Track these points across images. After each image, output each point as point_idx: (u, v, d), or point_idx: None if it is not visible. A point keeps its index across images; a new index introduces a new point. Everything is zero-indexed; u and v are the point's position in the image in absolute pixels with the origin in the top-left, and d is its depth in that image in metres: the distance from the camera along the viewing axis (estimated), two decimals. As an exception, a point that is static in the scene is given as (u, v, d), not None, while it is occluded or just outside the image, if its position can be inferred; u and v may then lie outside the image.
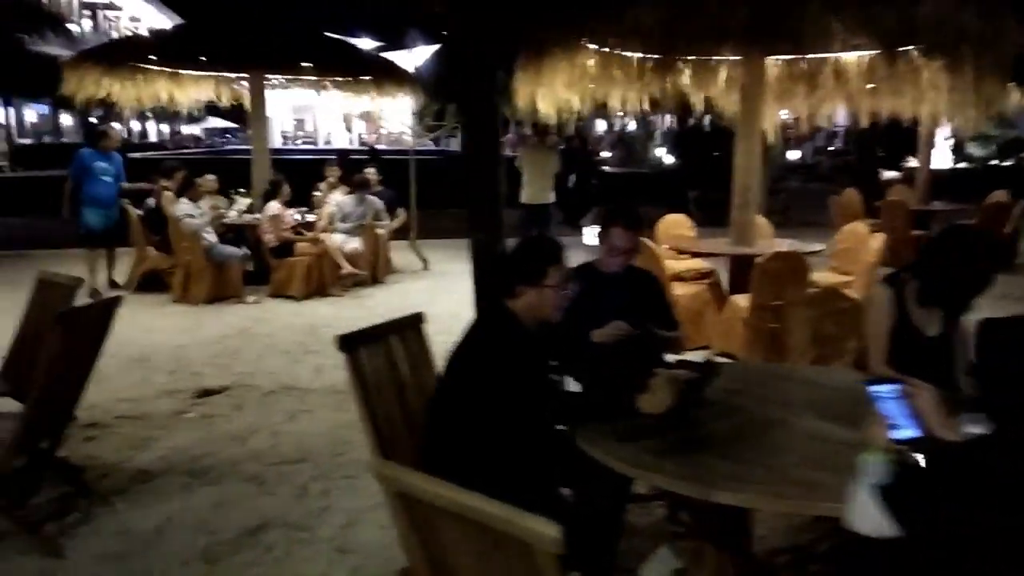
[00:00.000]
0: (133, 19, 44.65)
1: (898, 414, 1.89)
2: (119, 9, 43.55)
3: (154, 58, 8.91)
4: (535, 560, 1.46)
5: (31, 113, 33.54)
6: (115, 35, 38.88)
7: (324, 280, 8.43)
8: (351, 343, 2.78)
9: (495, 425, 2.48)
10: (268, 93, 9.61)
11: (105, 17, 43.29)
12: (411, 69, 11.94)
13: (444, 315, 7.79)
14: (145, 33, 25.51)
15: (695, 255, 6.96)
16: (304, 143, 36.60)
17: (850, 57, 5.86)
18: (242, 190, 9.32)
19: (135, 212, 8.55)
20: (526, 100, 6.72)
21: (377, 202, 9.30)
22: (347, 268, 8.58)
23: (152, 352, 6.29)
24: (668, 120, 28.37)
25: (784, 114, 8.81)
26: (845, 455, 2.12)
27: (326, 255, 8.47)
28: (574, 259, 2.88)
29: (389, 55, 14.12)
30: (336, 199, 9.39)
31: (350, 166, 10.61)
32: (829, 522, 2.05)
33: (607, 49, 5.83)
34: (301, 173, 9.68)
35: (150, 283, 8.41)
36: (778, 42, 5.09)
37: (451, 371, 2.63)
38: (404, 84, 10.00)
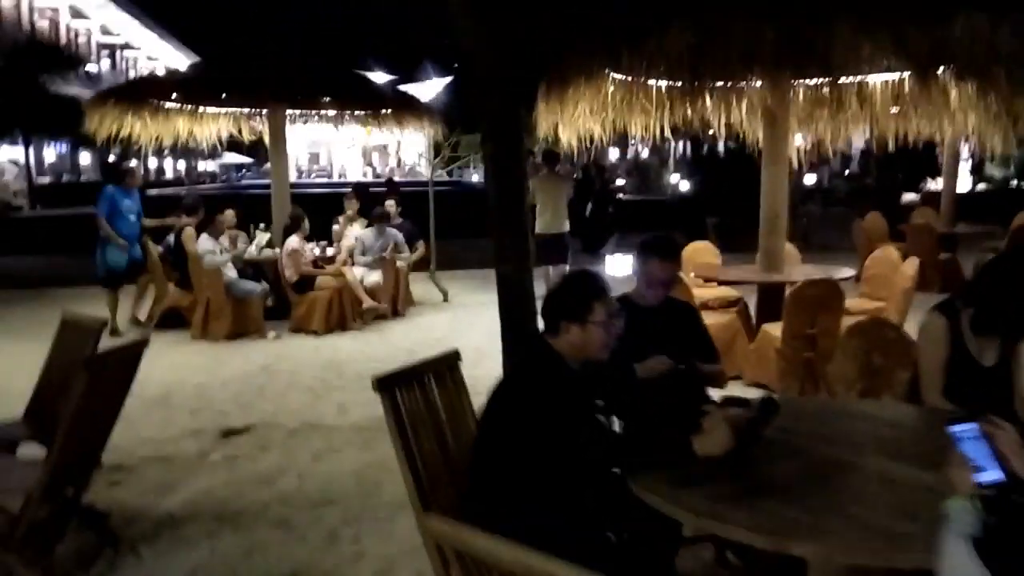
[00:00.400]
0: (151, 58, 45.38)
1: (980, 455, 1.77)
2: (137, 49, 44.27)
3: (176, 96, 8.95)
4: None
5: (50, 152, 33.98)
6: (133, 74, 39.56)
7: (345, 314, 8.35)
8: (387, 384, 2.67)
9: (541, 469, 2.36)
10: (286, 128, 9.63)
11: (123, 57, 44.02)
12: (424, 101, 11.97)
13: (468, 349, 7.62)
14: (162, 72, 25.88)
15: (722, 283, 6.84)
16: (318, 177, 36.81)
17: (876, 79, 5.77)
18: (262, 225, 9.30)
19: (156, 249, 8.54)
20: (548, 130, 6.66)
21: (397, 234, 9.25)
22: (368, 302, 8.51)
23: (174, 391, 6.21)
24: (682, 146, 28.37)
25: (799, 138, 8.73)
26: (926, 501, 2.00)
27: (347, 289, 8.40)
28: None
29: (402, 88, 14.21)
30: (355, 232, 9.34)
31: (369, 198, 10.59)
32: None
33: (631, 77, 5.76)
34: (318, 206, 9.65)
35: (169, 320, 8.36)
36: (808, 66, 5.00)
37: (493, 413, 2.52)
38: (423, 117, 10.00)
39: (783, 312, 5.69)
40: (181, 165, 42.44)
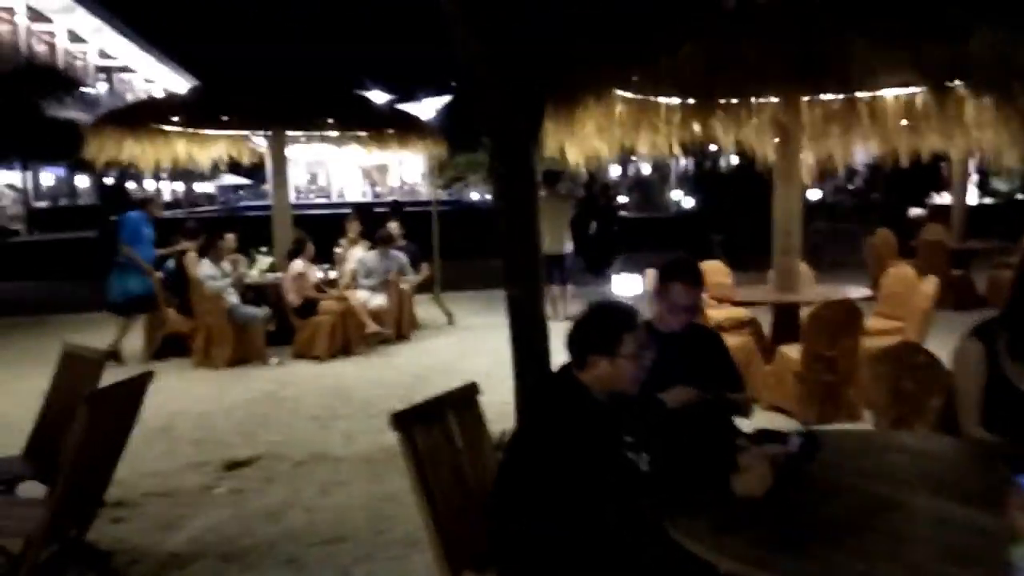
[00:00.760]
0: (148, 80, 45.41)
1: None
2: (134, 72, 44.32)
3: (176, 119, 8.87)
4: None
5: (47, 176, 33.91)
6: (130, 97, 39.57)
7: (349, 339, 8.22)
8: (405, 421, 2.55)
9: (568, 509, 2.24)
10: (286, 149, 9.54)
11: (120, 80, 44.07)
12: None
13: (476, 374, 7.46)
14: (160, 94, 25.87)
15: (735, 303, 6.72)
16: (317, 197, 36.74)
17: (890, 93, 5.69)
18: (263, 248, 9.18)
19: (156, 275, 8.42)
20: (554, 149, 6.56)
21: (401, 257, 9.12)
22: (372, 327, 8.38)
23: (176, 420, 6.07)
24: (683, 163, 28.34)
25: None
26: (983, 545, 1.88)
27: (350, 313, 8.27)
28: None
29: (401, 107, 14.14)
30: (358, 255, 9.22)
31: (372, 220, 10.47)
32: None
33: (641, 96, 5.67)
34: (318, 228, 9.52)
35: (169, 346, 8.21)
36: (824, 81, 4.91)
37: (517, 450, 2.39)
38: (426, 136, 9.91)
39: (801, 334, 5.58)
40: (178, 187, 42.39)
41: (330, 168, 38.86)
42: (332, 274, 9.10)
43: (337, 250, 9.78)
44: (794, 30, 4.74)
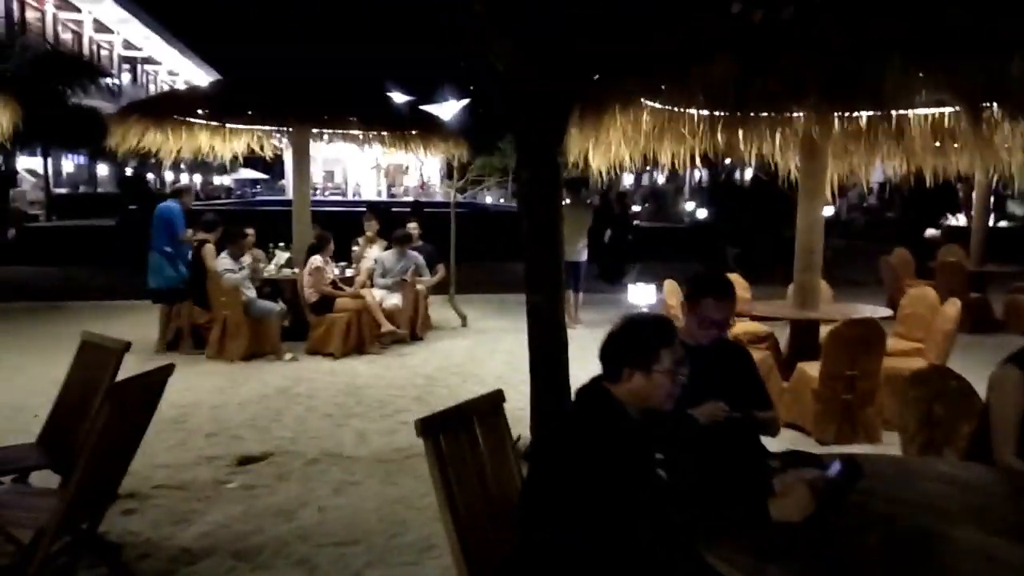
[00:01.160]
0: (171, 73, 45.67)
1: None
2: (158, 63, 44.57)
3: (201, 112, 8.88)
4: None
5: (68, 163, 34.09)
6: (153, 88, 39.81)
7: (363, 338, 8.19)
8: (431, 428, 2.50)
9: (599, 527, 2.18)
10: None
11: (144, 71, 44.34)
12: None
13: (489, 377, 7.55)
14: (182, 86, 25.94)
15: (754, 318, 6.65)
16: (332, 195, 36.73)
17: (919, 112, 5.62)
18: (281, 244, 9.16)
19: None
20: (578, 157, 6.52)
21: (418, 257, 9.10)
22: (387, 326, 8.35)
23: (190, 413, 6.04)
24: (697, 173, 28.25)
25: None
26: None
27: (366, 312, 8.25)
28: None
29: (422, 108, 14.08)
30: (375, 253, 9.20)
31: (387, 219, 10.44)
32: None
33: (669, 107, 5.62)
34: (333, 225, 9.48)
35: (183, 338, 8.21)
36: (856, 99, 4.84)
37: (545, 465, 2.34)
38: (449, 138, 9.89)
39: (821, 352, 5.50)
40: (196, 179, 42.57)
41: (347, 165, 38.87)
42: (349, 271, 9.08)
43: (354, 248, 9.75)
44: (830, 45, 4.67)
